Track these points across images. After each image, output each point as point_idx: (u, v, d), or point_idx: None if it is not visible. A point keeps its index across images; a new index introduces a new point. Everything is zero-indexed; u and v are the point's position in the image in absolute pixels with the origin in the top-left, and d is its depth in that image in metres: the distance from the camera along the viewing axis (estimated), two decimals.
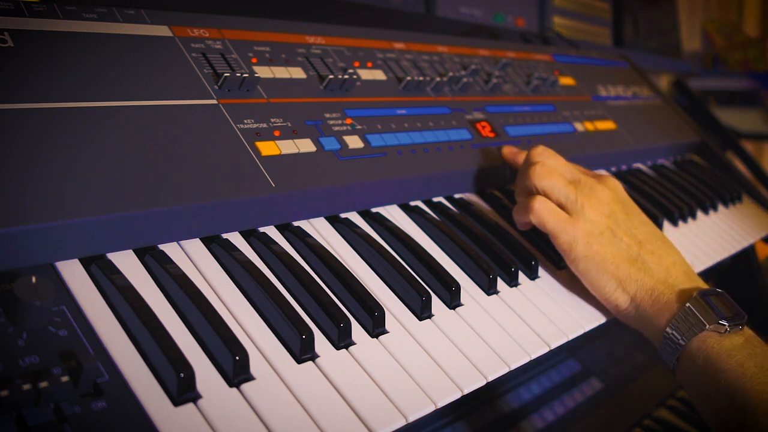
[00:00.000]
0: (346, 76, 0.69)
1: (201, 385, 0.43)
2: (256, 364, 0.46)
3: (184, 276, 0.50)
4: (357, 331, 0.53)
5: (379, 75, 0.77)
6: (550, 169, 0.69)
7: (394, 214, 0.69)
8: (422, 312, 0.57)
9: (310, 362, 0.49)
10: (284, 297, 0.51)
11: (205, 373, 0.44)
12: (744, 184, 1.22)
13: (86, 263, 0.48)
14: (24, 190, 0.44)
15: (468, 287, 0.63)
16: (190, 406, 0.42)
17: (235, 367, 0.44)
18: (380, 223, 0.65)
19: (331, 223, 0.63)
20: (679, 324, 0.60)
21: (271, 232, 0.59)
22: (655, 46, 1.88)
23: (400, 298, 0.58)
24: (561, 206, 0.68)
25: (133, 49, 0.58)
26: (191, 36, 0.63)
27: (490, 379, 0.54)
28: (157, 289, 0.49)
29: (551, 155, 0.72)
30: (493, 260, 0.67)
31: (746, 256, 1.24)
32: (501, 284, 0.66)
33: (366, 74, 0.75)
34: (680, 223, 0.96)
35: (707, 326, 0.59)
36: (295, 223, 0.61)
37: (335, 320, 0.51)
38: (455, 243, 0.66)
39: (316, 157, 0.62)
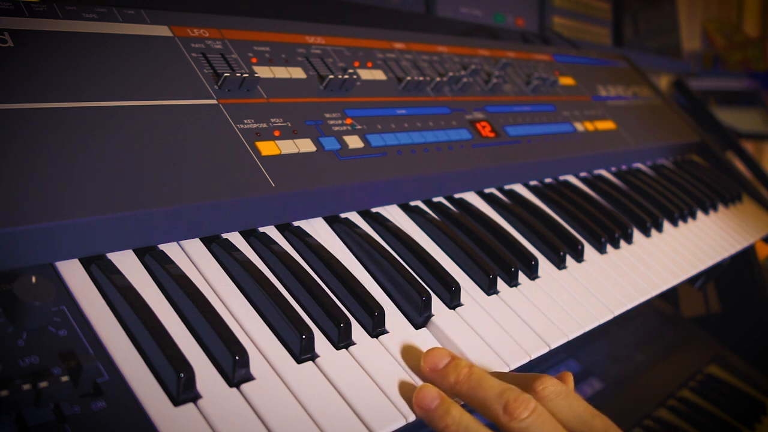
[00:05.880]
0: (346, 76, 0.69)
1: (201, 385, 0.43)
2: (256, 364, 0.46)
3: (184, 276, 0.50)
4: (357, 331, 0.53)
5: (379, 75, 0.77)
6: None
7: (394, 214, 0.69)
8: (422, 312, 0.57)
9: (310, 362, 0.49)
10: (284, 297, 0.51)
11: (205, 373, 0.44)
12: (744, 184, 1.22)
13: (86, 263, 0.48)
14: (24, 190, 0.44)
15: (468, 287, 0.63)
16: (190, 406, 0.42)
17: (235, 367, 0.44)
18: (380, 223, 0.65)
19: (331, 223, 0.63)
20: None
21: (271, 232, 0.59)
22: (655, 46, 1.88)
23: (400, 298, 0.58)
24: None
25: (133, 49, 0.58)
26: (191, 36, 0.63)
27: None
28: (157, 289, 0.49)
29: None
30: (493, 260, 0.67)
31: (746, 256, 1.24)
32: (501, 284, 0.66)
33: (366, 74, 0.75)
34: (680, 223, 0.96)
35: None
36: (295, 223, 0.61)
37: (335, 320, 0.51)
38: (455, 243, 0.66)
39: (316, 157, 0.62)
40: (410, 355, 0.53)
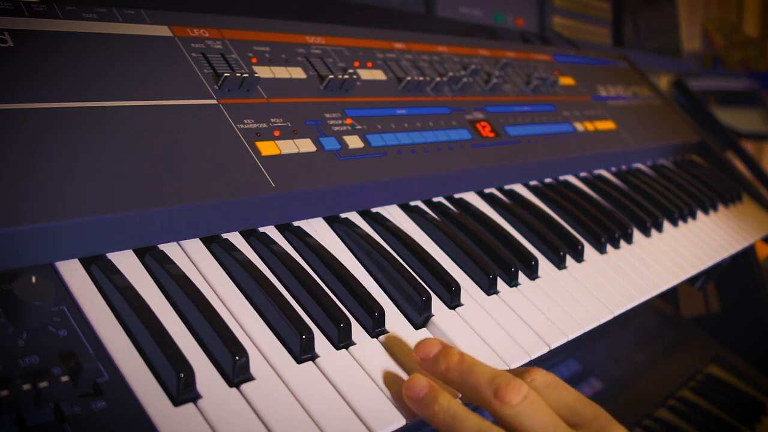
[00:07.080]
0: (346, 76, 0.69)
1: (201, 385, 0.43)
2: (256, 364, 0.46)
3: (184, 276, 0.50)
4: (357, 331, 0.53)
5: (379, 75, 0.77)
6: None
7: (394, 214, 0.69)
8: (422, 312, 0.57)
9: (310, 362, 0.49)
10: (284, 297, 0.51)
11: (205, 373, 0.44)
12: (744, 184, 1.22)
13: (86, 263, 0.48)
14: (24, 190, 0.44)
15: (468, 287, 0.63)
16: (190, 406, 0.42)
17: (235, 367, 0.44)
18: (380, 223, 0.65)
19: (330, 223, 0.63)
20: None
21: (271, 232, 0.59)
22: (655, 46, 1.88)
23: (400, 298, 0.58)
24: None
25: (133, 49, 0.58)
26: (191, 36, 0.63)
27: None
28: (157, 289, 0.49)
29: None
30: (493, 260, 0.67)
31: (746, 256, 1.24)
32: (501, 284, 0.66)
33: (366, 74, 0.75)
34: (680, 223, 0.96)
35: None
36: (295, 223, 0.61)
37: (335, 320, 0.51)
38: (455, 243, 0.66)
39: (316, 157, 0.62)
40: (410, 356, 0.53)
